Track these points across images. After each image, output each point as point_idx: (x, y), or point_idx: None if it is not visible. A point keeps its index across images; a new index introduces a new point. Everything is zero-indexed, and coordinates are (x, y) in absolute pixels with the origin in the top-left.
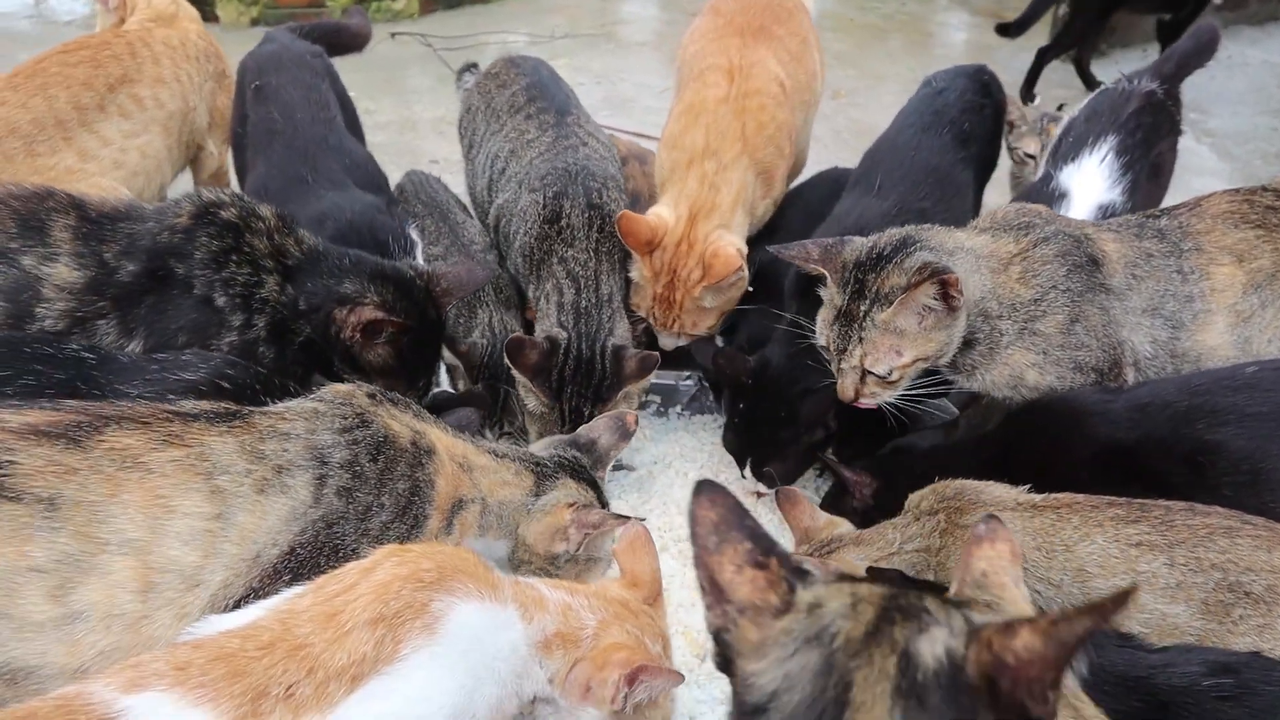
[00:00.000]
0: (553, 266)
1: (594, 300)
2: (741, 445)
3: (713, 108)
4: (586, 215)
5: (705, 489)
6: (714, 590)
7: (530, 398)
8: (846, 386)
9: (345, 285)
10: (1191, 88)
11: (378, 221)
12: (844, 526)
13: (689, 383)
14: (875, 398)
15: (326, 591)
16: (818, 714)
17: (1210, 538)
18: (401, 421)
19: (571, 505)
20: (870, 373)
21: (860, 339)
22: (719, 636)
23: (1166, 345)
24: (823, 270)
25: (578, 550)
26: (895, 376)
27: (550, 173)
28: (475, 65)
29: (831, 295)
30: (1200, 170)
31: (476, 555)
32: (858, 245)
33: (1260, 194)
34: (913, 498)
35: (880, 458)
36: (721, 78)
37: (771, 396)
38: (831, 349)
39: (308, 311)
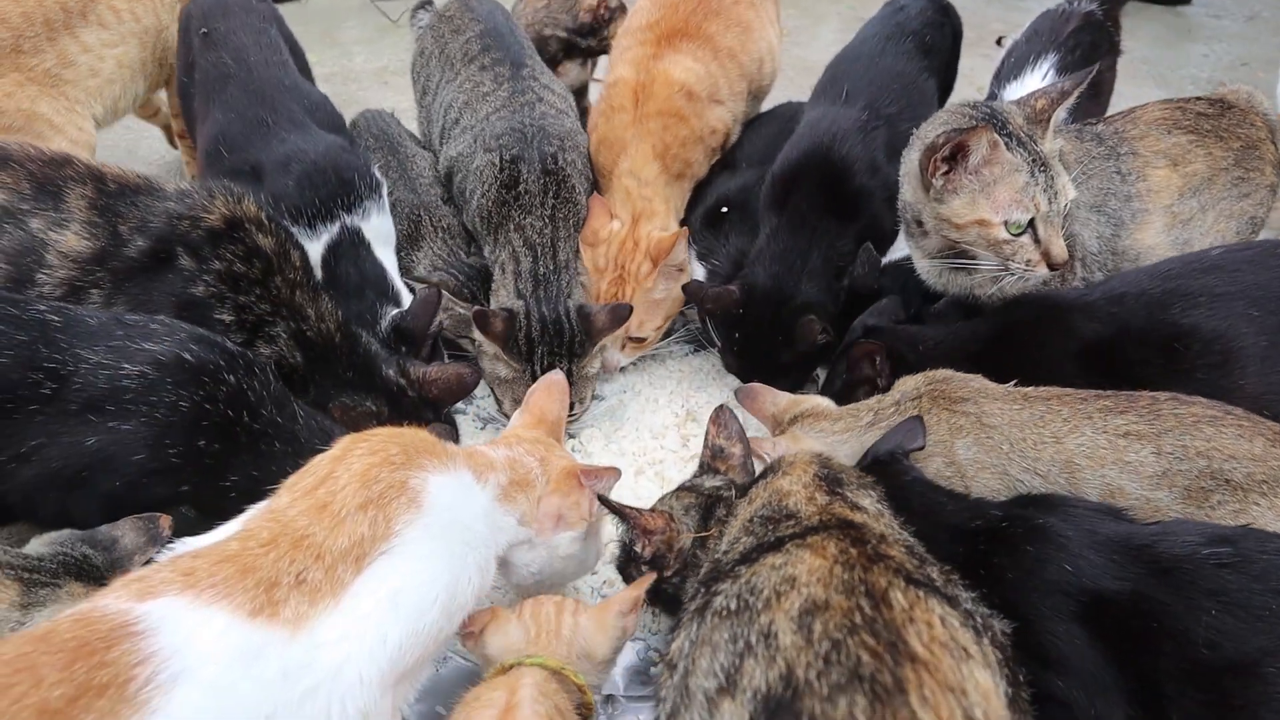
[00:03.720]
0: (509, 233)
1: (551, 267)
2: (744, 368)
3: (620, 133)
4: (542, 181)
5: None
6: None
7: (500, 365)
8: (1063, 244)
9: (344, 397)
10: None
11: (343, 160)
12: (807, 403)
13: None
14: (1065, 252)
15: (303, 487)
16: None
17: (1196, 426)
18: None
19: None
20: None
21: (1060, 171)
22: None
23: (1110, 242)
24: (996, 132)
25: None
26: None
27: (506, 133)
28: (430, 2)
29: (1016, 161)
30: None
31: (428, 433)
32: (997, 109)
33: (1193, 102)
34: (901, 381)
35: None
36: (628, 99)
37: (767, 322)
38: (1044, 209)
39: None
